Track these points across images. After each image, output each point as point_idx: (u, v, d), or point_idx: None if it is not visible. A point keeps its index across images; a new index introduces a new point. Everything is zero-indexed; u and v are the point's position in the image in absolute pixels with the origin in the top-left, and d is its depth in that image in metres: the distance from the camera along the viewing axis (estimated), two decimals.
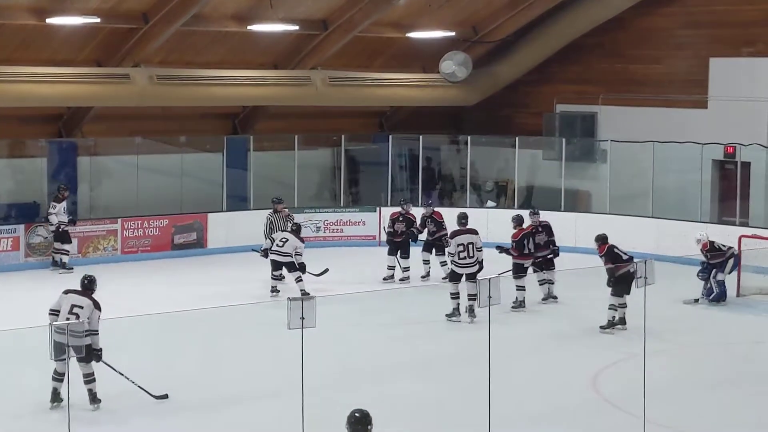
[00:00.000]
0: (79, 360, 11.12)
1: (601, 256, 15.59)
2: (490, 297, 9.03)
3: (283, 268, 17.55)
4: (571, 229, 22.07)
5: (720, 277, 17.30)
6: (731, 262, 17.35)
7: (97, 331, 11.38)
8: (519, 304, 16.50)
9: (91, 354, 11.21)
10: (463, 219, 16.75)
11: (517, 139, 23.92)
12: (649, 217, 21.89)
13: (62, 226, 19.62)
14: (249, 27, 21.12)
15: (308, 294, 16.89)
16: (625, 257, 15.52)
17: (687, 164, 22.10)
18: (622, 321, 15.16)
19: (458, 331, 15.12)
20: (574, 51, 24.49)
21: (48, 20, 19.06)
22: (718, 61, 22.46)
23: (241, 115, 24.10)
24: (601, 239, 15.83)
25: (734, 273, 17.61)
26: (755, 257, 17.83)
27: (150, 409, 11.62)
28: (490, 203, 24.50)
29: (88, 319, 11.27)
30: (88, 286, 11.70)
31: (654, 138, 22.29)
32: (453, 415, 11.50)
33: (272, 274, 17.73)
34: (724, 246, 17.48)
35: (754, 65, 21.93)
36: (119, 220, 20.88)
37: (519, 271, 16.71)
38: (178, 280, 19.20)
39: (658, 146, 22.19)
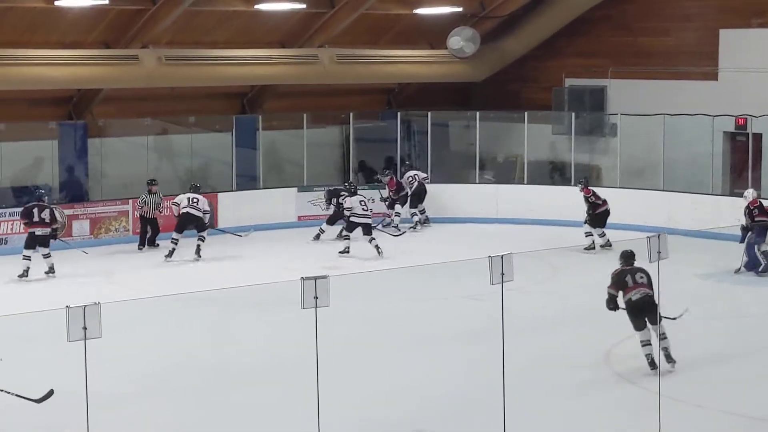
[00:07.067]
0: None
1: None
2: (503, 274, 9.01)
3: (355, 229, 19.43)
4: (581, 204, 22.05)
5: (764, 248, 17.18)
6: None
7: None
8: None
9: None
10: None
11: (526, 114, 23.87)
12: (660, 190, 21.86)
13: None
14: (256, 6, 21.10)
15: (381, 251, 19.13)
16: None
17: (698, 136, 22.04)
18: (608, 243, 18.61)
19: (468, 309, 15.12)
20: (583, 24, 24.40)
21: (56, 2, 19.07)
22: (727, 33, 22.36)
23: (250, 95, 24.08)
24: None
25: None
26: None
27: (163, 391, 11.68)
28: (487, 177, 24.44)
29: None
30: None
31: (664, 111, 22.23)
32: (467, 392, 11.53)
33: (343, 234, 19.77)
34: None
35: (764, 36, 21.84)
36: (130, 201, 20.89)
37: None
38: (189, 260, 19.23)
39: (668, 119, 22.13)
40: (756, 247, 17.22)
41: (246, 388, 11.82)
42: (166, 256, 19.12)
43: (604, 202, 19.70)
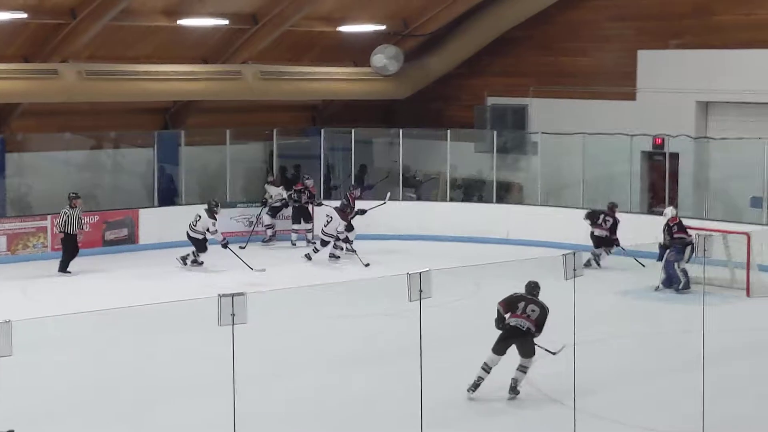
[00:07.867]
0: None
1: None
2: (421, 291, 9.04)
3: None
4: (503, 221, 22.24)
5: (683, 265, 17.47)
6: (689, 249, 17.45)
7: None
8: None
9: None
10: None
11: (448, 131, 24.00)
12: (579, 208, 22.08)
13: None
14: (179, 21, 20.99)
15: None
16: None
17: (616, 155, 22.33)
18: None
19: (387, 326, 15.11)
20: (504, 44, 24.64)
21: None
22: (646, 53, 22.71)
23: (172, 110, 23.94)
24: None
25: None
26: None
27: (82, 409, 11.53)
28: (409, 194, 24.49)
29: None
30: None
31: (584, 130, 22.49)
32: (384, 410, 11.54)
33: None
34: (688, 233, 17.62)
35: (681, 57, 22.20)
36: (49, 216, 20.58)
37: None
38: (109, 276, 19.03)
39: (587, 138, 22.39)
40: (676, 264, 17.49)
41: (162, 406, 11.71)
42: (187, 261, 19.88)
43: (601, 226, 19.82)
